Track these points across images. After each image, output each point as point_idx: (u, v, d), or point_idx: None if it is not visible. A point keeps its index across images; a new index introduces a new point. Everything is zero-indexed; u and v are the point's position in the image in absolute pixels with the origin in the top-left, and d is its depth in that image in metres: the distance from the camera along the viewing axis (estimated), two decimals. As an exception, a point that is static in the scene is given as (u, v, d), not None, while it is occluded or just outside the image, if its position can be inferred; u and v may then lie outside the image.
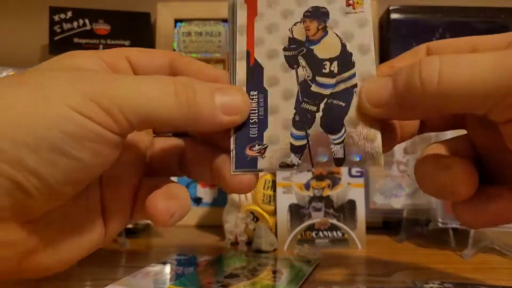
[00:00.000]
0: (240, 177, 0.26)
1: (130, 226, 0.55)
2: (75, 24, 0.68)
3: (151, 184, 0.28)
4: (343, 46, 0.31)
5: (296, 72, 0.31)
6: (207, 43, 0.69)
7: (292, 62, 0.31)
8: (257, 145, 0.29)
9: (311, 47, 0.31)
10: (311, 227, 0.51)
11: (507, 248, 0.47)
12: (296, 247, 0.49)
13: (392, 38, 0.65)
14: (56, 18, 0.68)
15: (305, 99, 0.30)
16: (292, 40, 0.32)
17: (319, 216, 0.51)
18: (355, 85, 0.29)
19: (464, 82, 0.21)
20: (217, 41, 0.69)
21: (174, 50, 0.70)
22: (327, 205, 0.51)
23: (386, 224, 0.61)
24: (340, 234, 0.51)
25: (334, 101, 0.30)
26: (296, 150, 0.30)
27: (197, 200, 0.66)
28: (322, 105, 0.30)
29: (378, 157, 0.28)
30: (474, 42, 0.27)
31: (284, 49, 0.32)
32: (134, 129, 0.23)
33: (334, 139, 0.30)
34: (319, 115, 0.30)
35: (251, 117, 0.29)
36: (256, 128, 0.29)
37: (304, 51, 0.31)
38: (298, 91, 0.31)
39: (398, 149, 0.55)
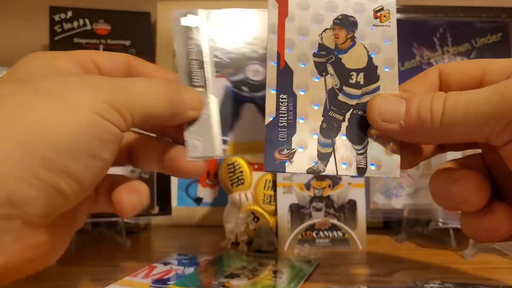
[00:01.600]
0: (193, 162, 0.30)
1: (131, 225, 0.55)
2: (75, 24, 0.68)
3: (108, 179, 0.31)
4: (370, 58, 0.31)
5: (325, 80, 0.32)
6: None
7: (321, 69, 0.32)
8: (285, 149, 0.31)
9: (340, 55, 0.32)
10: (311, 227, 0.51)
11: (508, 248, 0.47)
12: (296, 247, 0.49)
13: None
14: (56, 18, 0.68)
15: (332, 108, 0.31)
16: (322, 46, 0.32)
17: (319, 216, 0.51)
18: None
19: (462, 116, 0.24)
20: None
21: (174, 50, 0.70)
22: (328, 205, 0.51)
23: (386, 224, 0.61)
24: (340, 234, 0.51)
25: (359, 112, 0.31)
26: (322, 157, 0.31)
27: (198, 200, 0.66)
28: (348, 115, 0.31)
29: (395, 170, 0.29)
30: (484, 66, 0.28)
31: (314, 55, 0.32)
32: (133, 127, 0.26)
33: (358, 149, 0.31)
34: (344, 124, 0.31)
35: (280, 121, 0.31)
36: (285, 132, 0.30)
37: (333, 59, 0.32)
38: (326, 98, 0.31)
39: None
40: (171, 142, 0.31)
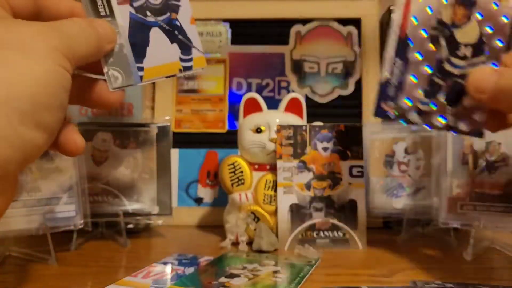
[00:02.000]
0: (116, 92, 0.32)
1: (131, 226, 0.55)
2: None
3: None
4: (481, 35, 0.37)
5: (436, 50, 0.38)
6: (207, 43, 0.69)
7: (434, 41, 0.38)
8: (392, 103, 0.39)
9: (453, 29, 0.38)
10: (312, 227, 0.51)
11: (508, 248, 0.47)
12: (297, 247, 0.49)
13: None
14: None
15: (437, 74, 0.38)
16: (439, 21, 0.38)
17: (320, 216, 0.51)
18: None
19: None
20: (217, 41, 0.69)
21: None
22: (328, 205, 0.51)
23: (387, 224, 0.61)
24: (341, 234, 0.51)
25: (459, 80, 0.37)
26: (420, 112, 0.38)
27: (198, 200, 0.66)
28: (449, 82, 0.37)
29: (481, 131, 0.36)
30: None
31: (432, 28, 0.38)
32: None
33: (451, 110, 0.37)
34: (444, 88, 0.38)
35: (391, 80, 0.39)
36: (394, 90, 0.39)
37: (447, 33, 0.38)
38: (434, 66, 0.38)
39: (399, 149, 0.55)
40: (93, 77, 0.32)
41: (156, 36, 0.33)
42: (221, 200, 0.64)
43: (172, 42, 0.34)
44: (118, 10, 0.32)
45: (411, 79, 0.38)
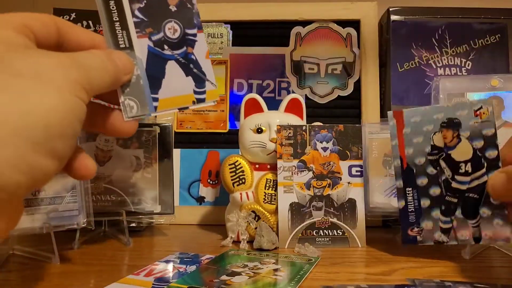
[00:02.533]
0: (130, 122, 0.33)
1: (133, 225, 0.55)
2: (78, 25, 0.69)
3: None
4: (474, 150, 0.41)
5: (439, 173, 0.43)
6: (209, 44, 0.70)
7: (435, 165, 0.43)
8: (416, 228, 0.45)
9: (449, 152, 0.42)
10: (311, 226, 0.51)
11: (506, 247, 0.48)
12: (297, 245, 0.50)
13: (392, 39, 0.65)
14: (59, 19, 0.68)
15: (448, 193, 0.43)
16: (433, 146, 0.43)
17: (319, 215, 0.51)
18: (486, 182, 0.40)
19: None
20: (219, 43, 0.70)
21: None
22: (328, 204, 0.51)
23: (385, 223, 0.62)
24: (340, 233, 0.51)
25: (471, 194, 0.41)
26: (444, 231, 0.44)
27: (200, 199, 0.66)
28: (461, 198, 0.42)
29: (508, 233, 0.40)
30: None
31: (428, 154, 0.43)
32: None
33: (472, 223, 0.42)
34: (459, 205, 0.42)
35: (409, 207, 0.45)
36: (414, 215, 0.45)
37: (443, 156, 0.42)
38: (442, 187, 0.43)
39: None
40: (108, 106, 0.33)
41: (172, 69, 0.34)
42: (223, 199, 0.64)
43: (187, 75, 0.35)
44: (138, 43, 0.33)
45: (425, 202, 0.44)
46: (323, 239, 0.51)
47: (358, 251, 0.50)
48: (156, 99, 0.34)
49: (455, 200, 0.42)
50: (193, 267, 0.41)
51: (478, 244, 0.47)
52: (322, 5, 0.69)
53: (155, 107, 0.34)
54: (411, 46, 0.65)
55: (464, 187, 0.42)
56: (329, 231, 0.51)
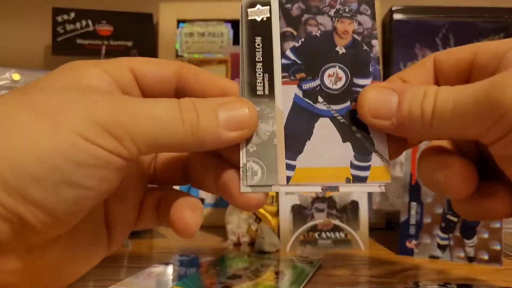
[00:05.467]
0: (249, 195, 0.25)
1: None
2: (78, 25, 0.68)
3: (157, 194, 0.28)
4: None
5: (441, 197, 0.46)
6: (209, 43, 0.69)
7: None
8: (414, 240, 0.47)
9: None
10: (313, 228, 0.50)
11: (510, 249, 0.47)
12: (298, 248, 0.49)
13: (395, 38, 0.64)
14: (59, 19, 0.68)
15: (449, 212, 0.46)
16: None
17: (322, 217, 0.51)
18: None
19: (450, 116, 0.23)
20: (219, 42, 0.69)
21: (177, 50, 0.70)
22: (330, 206, 0.51)
23: (388, 224, 0.61)
24: (342, 235, 0.51)
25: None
26: (441, 247, 0.46)
27: (200, 201, 0.66)
28: (461, 218, 0.43)
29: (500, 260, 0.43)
30: (475, 48, 0.26)
31: None
32: (142, 155, 0.22)
33: (469, 243, 0.44)
34: (458, 225, 0.45)
35: (410, 221, 0.47)
36: (414, 229, 0.47)
37: None
38: (445, 205, 0.46)
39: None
40: (228, 164, 0.26)
41: (324, 129, 0.25)
42: (223, 201, 0.63)
43: (344, 140, 0.25)
44: (281, 90, 0.25)
45: (427, 218, 0.46)
46: (325, 241, 0.50)
47: (361, 253, 0.49)
48: (292, 167, 0.25)
49: (455, 219, 0.45)
50: (193, 270, 0.41)
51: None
52: (324, 4, 0.69)
53: (289, 178, 0.24)
54: (414, 46, 0.64)
55: None
56: (332, 233, 0.50)
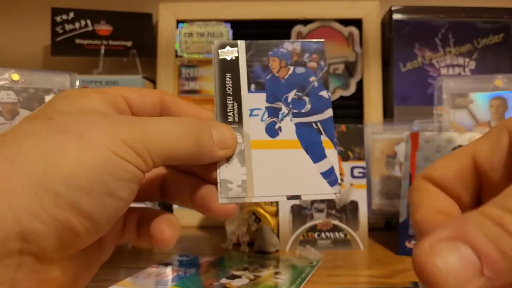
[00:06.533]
0: (226, 206, 0.29)
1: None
2: (77, 25, 0.68)
3: (137, 212, 0.32)
4: None
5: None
6: (209, 43, 0.69)
7: None
8: (413, 241, 0.47)
9: None
10: (313, 228, 0.50)
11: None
12: (298, 248, 0.49)
13: (395, 38, 0.64)
14: (58, 19, 0.68)
15: None
16: None
17: (321, 217, 0.51)
18: None
19: None
20: (219, 42, 0.69)
21: (176, 50, 0.70)
22: (329, 206, 0.51)
23: (388, 225, 0.61)
24: (342, 235, 0.51)
25: None
26: None
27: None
28: None
29: None
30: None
31: None
32: (155, 167, 0.26)
33: None
34: None
35: (410, 221, 0.44)
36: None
37: None
38: None
39: (401, 150, 0.55)
40: (203, 181, 0.30)
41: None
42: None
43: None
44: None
45: None
46: (324, 241, 0.50)
47: (360, 254, 0.49)
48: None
49: None
50: (193, 270, 0.41)
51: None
52: (323, 3, 0.69)
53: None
54: (414, 46, 0.64)
55: None
56: (331, 233, 0.50)
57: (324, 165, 0.29)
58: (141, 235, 0.31)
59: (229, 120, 0.30)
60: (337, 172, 0.29)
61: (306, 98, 0.30)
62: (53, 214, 0.21)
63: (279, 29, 0.69)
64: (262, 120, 0.30)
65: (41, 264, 0.22)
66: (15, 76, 0.43)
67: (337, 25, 0.69)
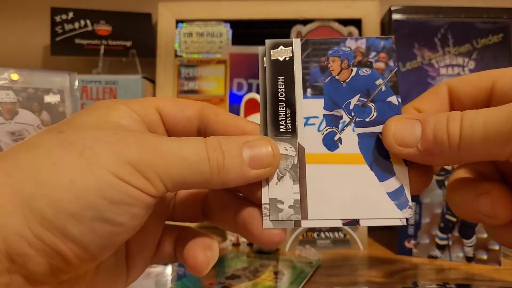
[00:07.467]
0: (270, 231, 0.25)
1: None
2: (76, 25, 0.68)
3: (175, 232, 0.29)
4: None
5: (444, 192, 0.46)
6: (208, 43, 0.69)
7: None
8: (413, 241, 0.47)
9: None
10: (312, 228, 0.50)
11: (509, 249, 0.47)
12: (297, 248, 0.49)
13: (394, 38, 0.64)
14: (57, 19, 0.68)
15: (448, 212, 0.46)
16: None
17: (320, 217, 0.50)
18: None
19: (481, 136, 0.22)
20: (218, 42, 0.69)
21: (176, 50, 0.70)
22: (329, 206, 0.51)
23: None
24: (341, 235, 0.50)
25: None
26: (440, 247, 0.46)
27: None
28: (460, 218, 0.42)
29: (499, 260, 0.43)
30: (493, 76, 0.26)
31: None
32: (168, 192, 0.23)
33: (468, 243, 0.45)
34: (457, 224, 0.45)
35: (409, 221, 0.47)
36: (413, 229, 0.47)
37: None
38: (444, 206, 0.46)
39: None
40: (247, 201, 0.26)
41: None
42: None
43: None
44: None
45: (426, 218, 0.46)
46: (324, 241, 0.50)
47: (360, 253, 0.49)
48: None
49: (454, 220, 0.46)
50: (192, 270, 0.41)
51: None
52: (323, 3, 0.69)
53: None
54: (413, 46, 0.64)
55: None
56: (331, 233, 0.50)
57: (391, 185, 0.25)
58: (178, 256, 0.28)
59: (281, 130, 0.26)
60: (407, 193, 0.24)
61: (371, 105, 0.26)
62: (40, 237, 0.20)
63: (279, 29, 0.69)
64: (319, 130, 0.26)
65: (32, 286, 0.21)
66: (15, 76, 0.43)
67: (336, 25, 0.69)
